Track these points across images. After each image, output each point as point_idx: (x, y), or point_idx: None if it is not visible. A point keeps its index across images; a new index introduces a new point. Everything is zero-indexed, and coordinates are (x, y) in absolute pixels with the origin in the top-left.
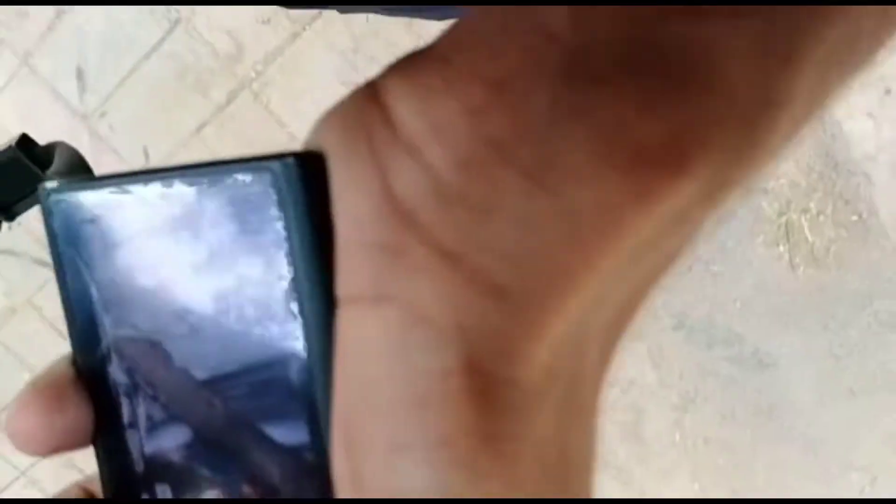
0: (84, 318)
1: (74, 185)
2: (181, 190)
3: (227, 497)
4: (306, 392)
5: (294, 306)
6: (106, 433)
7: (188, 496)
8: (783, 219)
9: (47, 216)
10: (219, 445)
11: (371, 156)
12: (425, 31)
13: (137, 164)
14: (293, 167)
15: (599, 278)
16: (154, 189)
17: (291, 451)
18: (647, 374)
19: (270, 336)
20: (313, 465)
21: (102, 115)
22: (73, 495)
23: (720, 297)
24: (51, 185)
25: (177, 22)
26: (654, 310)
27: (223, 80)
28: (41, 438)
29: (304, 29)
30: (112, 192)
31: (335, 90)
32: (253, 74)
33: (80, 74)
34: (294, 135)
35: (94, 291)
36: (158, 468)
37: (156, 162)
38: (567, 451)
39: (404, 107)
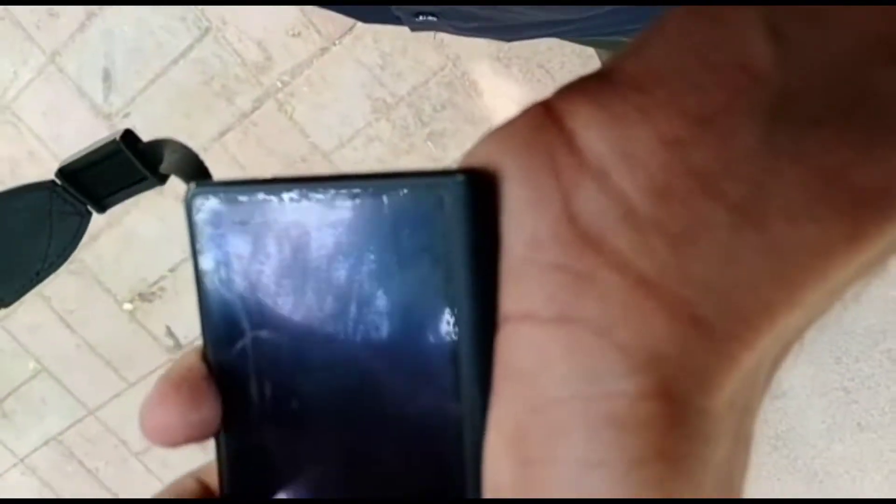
0: (221, 315)
1: (222, 188)
2: (339, 200)
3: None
4: (453, 407)
5: (451, 320)
6: (233, 427)
7: (305, 494)
8: None
9: (191, 216)
10: (348, 451)
11: (553, 178)
12: (452, 50)
13: None
14: (464, 185)
15: (795, 314)
16: (310, 197)
17: (428, 466)
18: None
19: (420, 349)
20: (447, 478)
21: (126, 115)
22: (187, 486)
23: None
24: (199, 185)
25: (207, 30)
26: None
27: (249, 88)
28: (177, 432)
29: (334, 44)
30: (262, 196)
31: (361, 104)
32: (279, 84)
33: (106, 76)
34: (316, 145)
35: (233, 291)
36: (282, 470)
37: None
38: (732, 476)
39: (593, 133)
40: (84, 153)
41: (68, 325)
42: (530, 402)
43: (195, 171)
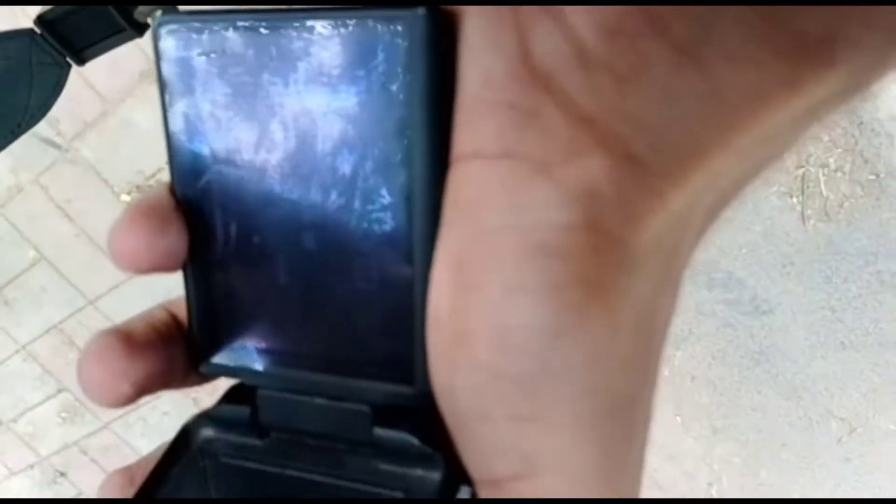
0: (186, 148)
1: (188, 17)
2: (301, 29)
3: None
4: (404, 240)
5: (405, 154)
6: (199, 259)
7: (268, 327)
8: (800, 171)
9: (157, 44)
10: (308, 280)
11: (511, 16)
12: None
13: None
14: (424, 19)
15: (727, 159)
16: (273, 26)
17: (380, 290)
18: None
19: (375, 180)
20: (403, 304)
21: None
22: (157, 314)
23: (727, 242)
24: (164, 14)
25: None
26: None
27: None
28: (143, 258)
29: None
30: (227, 27)
31: None
32: None
33: None
34: None
35: (198, 124)
36: (245, 295)
37: None
38: (655, 314)
39: None
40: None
41: (66, 215)
42: (470, 233)
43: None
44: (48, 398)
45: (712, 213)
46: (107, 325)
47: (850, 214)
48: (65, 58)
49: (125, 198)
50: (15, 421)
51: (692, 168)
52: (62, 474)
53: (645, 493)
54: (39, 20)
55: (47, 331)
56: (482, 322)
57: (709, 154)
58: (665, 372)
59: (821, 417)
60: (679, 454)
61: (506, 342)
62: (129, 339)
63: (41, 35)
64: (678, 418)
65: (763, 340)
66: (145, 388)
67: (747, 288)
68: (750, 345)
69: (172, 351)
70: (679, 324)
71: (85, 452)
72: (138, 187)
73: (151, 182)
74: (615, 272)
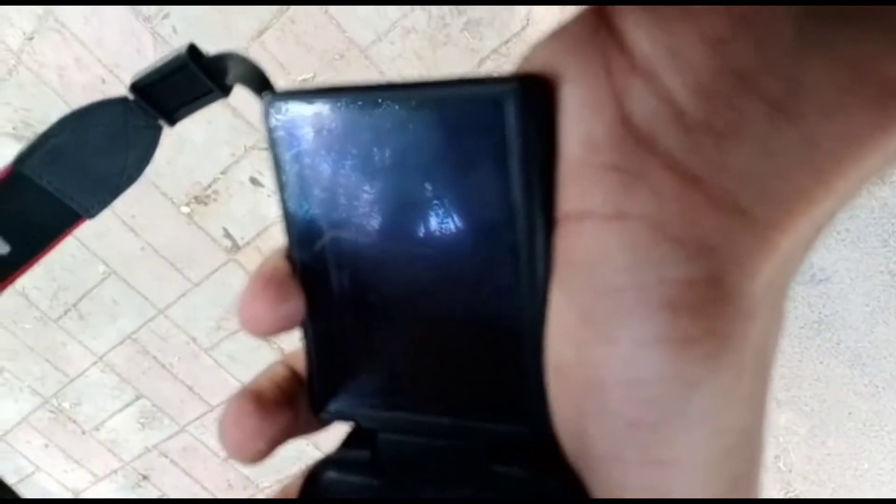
0: (301, 216)
1: (295, 96)
2: (405, 108)
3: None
4: (515, 301)
5: (512, 221)
6: (315, 314)
7: (384, 373)
8: None
9: (268, 123)
10: (421, 332)
11: (607, 80)
12: None
13: None
14: (521, 90)
15: (828, 200)
16: (377, 105)
17: (492, 338)
18: None
19: (483, 248)
20: (517, 350)
21: (165, 17)
22: (278, 371)
23: None
24: (275, 95)
25: None
26: None
27: None
28: (268, 323)
29: None
30: (332, 104)
31: None
32: None
33: None
34: (353, 40)
35: (312, 194)
36: (361, 358)
37: None
38: (766, 348)
39: (642, 33)
40: (152, 69)
41: (132, 230)
42: (591, 290)
43: (259, 82)
44: (126, 406)
45: (810, 245)
46: (177, 332)
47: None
48: (157, 120)
49: (185, 209)
50: (97, 429)
51: (797, 214)
52: (145, 477)
53: None
54: (134, 87)
55: (122, 341)
56: (614, 374)
57: (811, 200)
58: None
59: (887, 384)
60: None
61: (640, 392)
62: (259, 400)
63: (135, 101)
64: None
65: (822, 309)
66: (277, 441)
67: None
68: (809, 314)
69: (297, 404)
70: None
71: (165, 455)
72: (196, 198)
73: (209, 192)
74: (739, 321)
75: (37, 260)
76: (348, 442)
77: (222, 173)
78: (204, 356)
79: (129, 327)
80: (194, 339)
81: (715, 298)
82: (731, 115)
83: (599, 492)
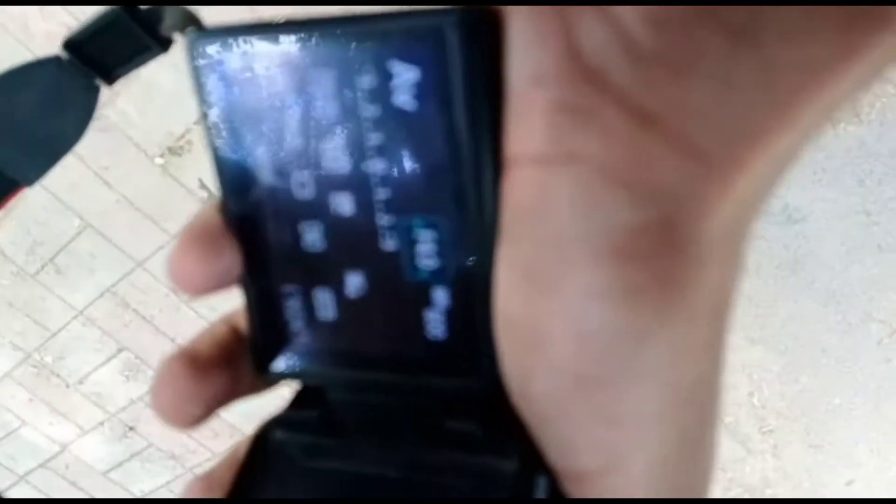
0: (232, 165)
1: (220, 34)
2: (337, 38)
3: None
4: (462, 240)
5: (458, 157)
6: (254, 270)
7: (330, 329)
8: None
9: (192, 64)
10: (366, 283)
11: (555, 13)
12: None
13: None
14: (463, 21)
15: (789, 135)
16: (309, 40)
17: (441, 289)
18: None
19: (427, 183)
20: (465, 301)
21: None
22: (218, 330)
23: None
24: (197, 33)
25: None
26: None
27: None
28: (199, 281)
29: None
30: (259, 40)
31: None
32: None
33: None
34: None
35: (242, 139)
36: (304, 301)
37: None
38: (724, 294)
39: None
40: (86, 24)
41: (105, 182)
42: (537, 239)
43: (193, 25)
44: (109, 359)
45: (771, 185)
46: (156, 284)
47: (882, 114)
48: (93, 80)
49: (159, 160)
50: (81, 382)
51: (757, 151)
52: (131, 428)
53: None
54: (66, 45)
55: (101, 295)
56: (561, 327)
57: (772, 135)
58: None
59: (860, 321)
60: None
61: (588, 347)
62: (194, 361)
63: (69, 60)
64: None
65: (797, 249)
66: (214, 405)
67: (778, 198)
68: (784, 255)
69: (237, 364)
70: None
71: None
72: (170, 149)
73: (182, 143)
74: (691, 267)
75: None
76: (296, 402)
77: (195, 123)
78: (185, 308)
79: (108, 281)
80: (174, 291)
81: (665, 244)
82: (687, 45)
83: (551, 449)
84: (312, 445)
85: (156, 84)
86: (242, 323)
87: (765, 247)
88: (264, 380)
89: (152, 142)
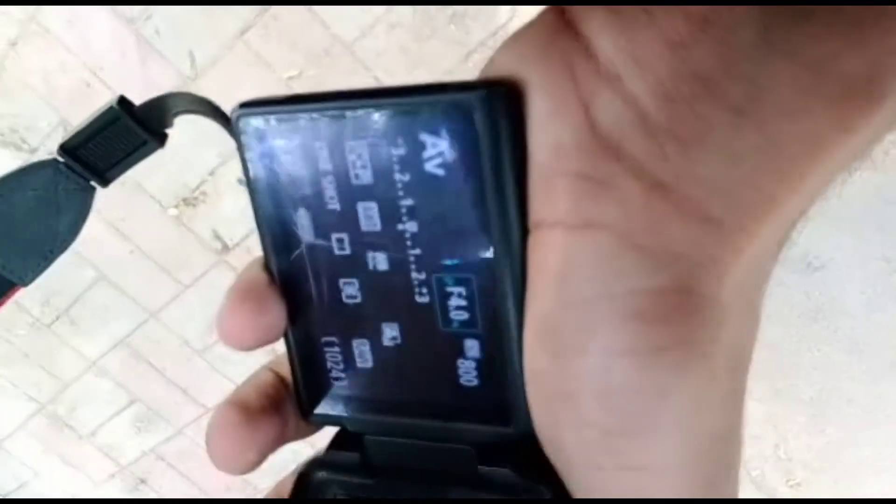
0: (276, 226)
1: (263, 108)
2: (373, 117)
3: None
4: (494, 297)
5: (486, 223)
6: (297, 321)
7: (370, 377)
8: None
9: (239, 136)
10: (401, 335)
11: (573, 86)
12: None
13: (184, 67)
14: (489, 98)
15: (794, 200)
16: (346, 114)
17: (473, 341)
18: None
19: (457, 257)
20: (497, 352)
21: (148, 18)
22: (263, 376)
23: None
24: (243, 106)
25: None
26: None
27: None
28: (249, 336)
29: None
30: (302, 114)
31: None
32: None
33: None
34: (337, 35)
35: (285, 203)
36: (344, 349)
37: (202, 65)
38: (742, 349)
39: (606, 38)
40: (83, 125)
41: (120, 233)
42: (561, 301)
43: (208, 105)
44: (122, 410)
45: (783, 242)
46: (169, 335)
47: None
48: (89, 182)
49: (173, 212)
50: (94, 434)
51: (764, 217)
52: (143, 481)
53: None
54: (62, 149)
55: (115, 346)
56: (586, 384)
57: (777, 202)
58: None
59: (885, 370)
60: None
61: (612, 402)
62: (246, 410)
63: (65, 163)
64: None
65: (818, 297)
66: (266, 450)
67: (797, 246)
68: (805, 303)
69: (284, 410)
70: None
71: (162, 458)
72: (184, 200)
73: (196, 194)
74: (708, 327)
75: None
76: (335, 444)
77: (210, 174)
78: (197, 358)
79: (122, 332)
80: (187, 342)
81: (683, 307)
82: (694, 120)
83: (580, 495)
84: (353, 485)
85: (172, 137)
86: (284, 370)
87: (786, 295)
88: (308, 425)
89: (167, 193)
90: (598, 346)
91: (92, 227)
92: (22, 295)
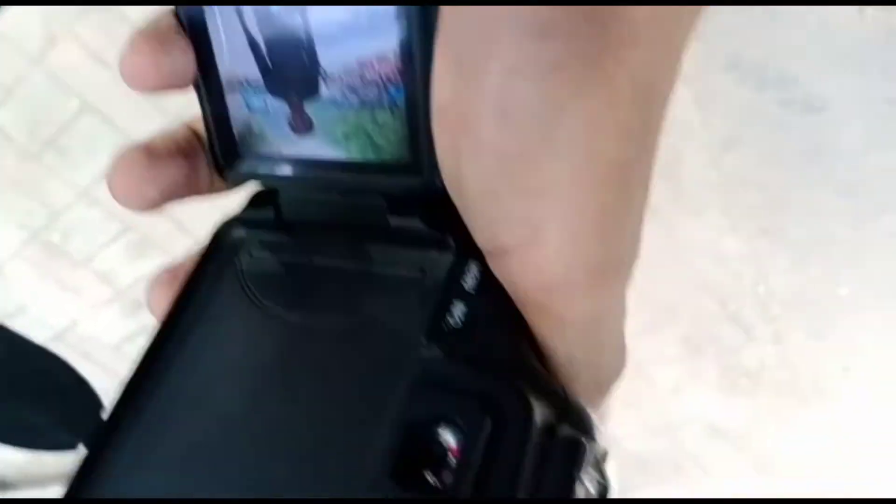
0: None
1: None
2: None
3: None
4: (403, 43)
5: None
6: (210, 76)
7: (285, 134)
8: None
9: None
10: (318, 90)
11: None
12: None
13: None
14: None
15: None
16: None
17: (385, 94)
18: (690, 115)
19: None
20: (407, 104)
21: None
22: (178, 130)
23: (779, 39)
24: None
25: None
26: (706, 51)
27: None
28: (149, 77)
29: None
30: None
31: None
32: None
33: None
34: None
35: None
36: (258, 105)
37: None
38: (654, 84)
39: None
40: None
41: (102, 61)
42: (468, 23)
43: None
44: (115, 238)
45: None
46: None
47: None
48: None
49: None
50: (90, 260)
51: None
52: (142, 306)
53: (692, 295)
54: None
55: (104, 176)
56: (484, 105)
57: None
58: (713, 177)
59: (874, 213)
60: (725, 255)
61: (508, 121)
62: (150, 150)
63: None
64: (725, 221)
65: (816, 138)
66: (170, 193)
67: (800, 85)
68: (803, 144)
69: (194, 161)
70: (728, 127)
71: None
72: None
73: None
74: (613, 45)
75: None
76: (251, 203)
77: None
78: None
79: (110, 161)
80: None
81: (587, 20)
82: None
83: (478, 228)
84: (269, 241)
85: None
86: (201, 128)
87: (784, 136)
88: (225, 180)
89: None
90: (499, 65)
91: (74, 57)
92: (8, 124)
